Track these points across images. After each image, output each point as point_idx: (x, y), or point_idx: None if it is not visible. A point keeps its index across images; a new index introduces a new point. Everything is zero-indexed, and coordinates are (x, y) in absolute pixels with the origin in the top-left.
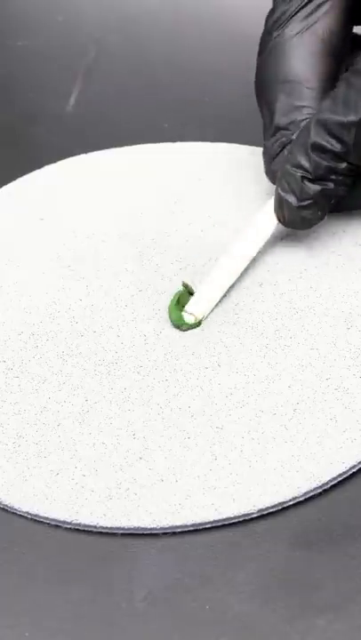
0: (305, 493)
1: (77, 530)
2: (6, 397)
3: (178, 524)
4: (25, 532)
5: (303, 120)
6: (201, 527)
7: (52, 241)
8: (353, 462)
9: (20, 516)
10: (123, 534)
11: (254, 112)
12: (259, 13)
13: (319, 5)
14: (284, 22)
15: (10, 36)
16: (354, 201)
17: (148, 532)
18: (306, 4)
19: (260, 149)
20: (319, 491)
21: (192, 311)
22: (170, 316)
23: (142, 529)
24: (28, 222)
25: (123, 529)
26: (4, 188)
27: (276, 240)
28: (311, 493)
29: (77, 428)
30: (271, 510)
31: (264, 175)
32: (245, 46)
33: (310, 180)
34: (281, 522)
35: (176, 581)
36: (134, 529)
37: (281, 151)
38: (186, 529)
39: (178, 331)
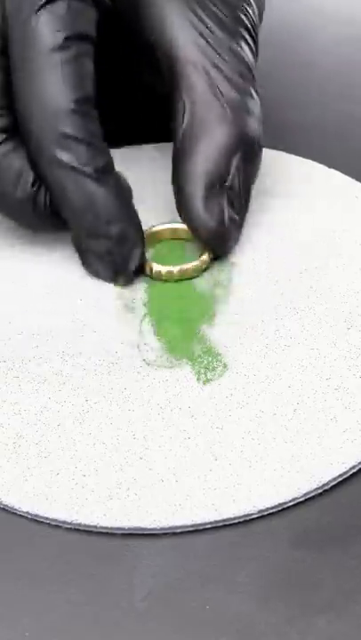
0: (305, 494)
1: (77, 530)
2: (6, 397)
3: (178, 524)
4: (25, 531)
5: None
6: (201, 527)
7: (52, 240)
8: (353, 462)
9: (20, 516)
10: (123, 534)
11: None
12: None
13: None
14: None
15: None
16: None
17: (148, 532)
18: None
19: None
20: (320, 491)
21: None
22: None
23: (142, 529)
24: None
25: (123, 529)
26: None
27: (276, 240)
28: (312, 494)
29: (77, 428)
30: (271, 511)
31: (265, 174)
32: None
33: None
34: (281, 522)
35: (176, 581)
36: (134, 529)
37: None
38: (186, 529)
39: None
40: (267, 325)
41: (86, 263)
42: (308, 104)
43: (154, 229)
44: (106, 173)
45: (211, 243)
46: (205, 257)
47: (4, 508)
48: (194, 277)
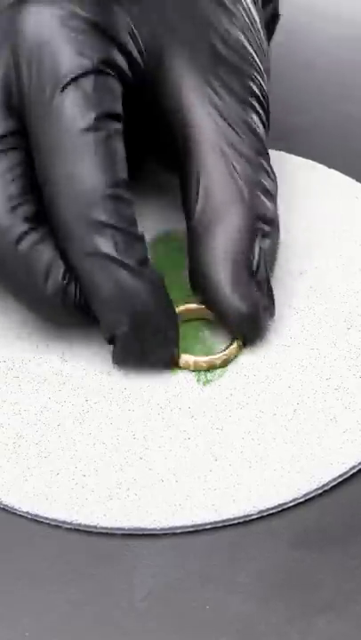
0: (305, 494)
1: (77, 530)
2: (6, 397)
3: (178, 524)
4: (25, 531)
5: None
6: (201, 527)
7: None
8: (353, 462)
9: (20, 516)
10: (123, 534)
11: None
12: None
13: None
14: None
15: None
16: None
17: (148, 532)
18: None
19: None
20: (320, 491)
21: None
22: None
23: (142, 529)
24: None
25: (123, 529)
26: None
27: None
28: (312, 494)
29: (77, 428)
30: (271, 511)
31: None
32: None
33: None
34: (281, 522)
35: (176, 581)
36: (134, 529)
37: None
38: (186, 529)
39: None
40: (267, 325)
41: (118, 358)
42: (308, 104)
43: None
44: (143, 265)
45: (243, 329)
46: (235, 345)
47: (4, 508)
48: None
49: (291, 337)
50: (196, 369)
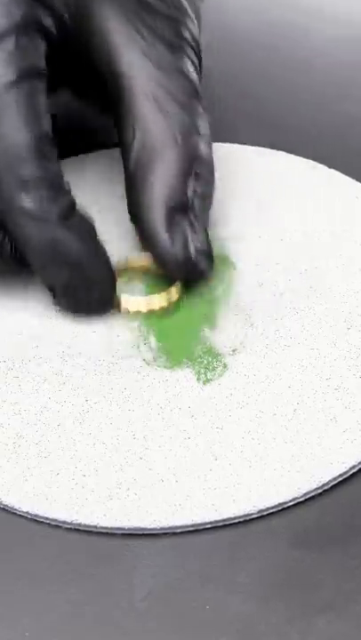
0: (305, 494)
1: (77, 530)
2: (6, 397)
3: (178, 524)
4: (25, 531)
5: None
6: (201, 527)
7: None
8: (353, 462)
9: (20, 516)
10: (123, 534)
11: (251, 112)
12: (254, 13)
13: None
14: None
15: None
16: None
17: (148, 532)
18: None
19: (261, 149)
20: (319, 491)
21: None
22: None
23: (142, 529)
24: None
25: (123, 529)
26: None
27: (277, 240)
28: (311, 494)
29: (77, 428)
30: (271, 511)
31: (264, 174)
32: (241, 46)
33: None
34: (281, 522)
35: (176, 581)
36: (134, 529)
37: None
38: (186, 529)
39: None
40: (267, 325)
41: (58, 302)
42: (308, 104)
43: (120, 265)
44: (69, 215)
45: (180, 273)
46: (174, 288)
47: (3, 508)
48: (163, 308)
49: (291, 337)
50: (134, 310)
